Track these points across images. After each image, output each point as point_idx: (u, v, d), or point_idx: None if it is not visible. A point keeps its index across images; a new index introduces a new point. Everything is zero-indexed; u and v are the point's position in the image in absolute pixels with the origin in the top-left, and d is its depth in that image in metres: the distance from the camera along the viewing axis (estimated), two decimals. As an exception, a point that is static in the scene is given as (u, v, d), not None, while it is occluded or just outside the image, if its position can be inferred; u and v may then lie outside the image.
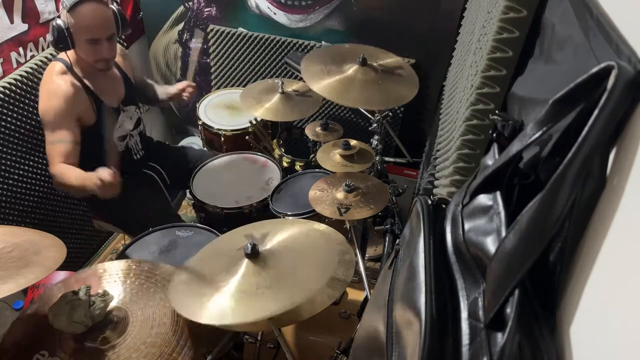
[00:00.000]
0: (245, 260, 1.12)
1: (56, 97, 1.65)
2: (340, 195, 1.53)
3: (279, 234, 1.24)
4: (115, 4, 1.67)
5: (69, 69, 1.70)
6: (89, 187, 1.57)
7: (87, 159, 1.65)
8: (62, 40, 1.60)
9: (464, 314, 0.46)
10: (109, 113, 1.81)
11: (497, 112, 0.79)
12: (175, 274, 1.22)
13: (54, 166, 1.69)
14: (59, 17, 1.61)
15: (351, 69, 1.62)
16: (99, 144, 1.82)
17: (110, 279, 1.30)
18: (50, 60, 1.93)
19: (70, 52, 1.69)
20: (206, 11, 2.46)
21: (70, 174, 1.64)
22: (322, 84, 1.59)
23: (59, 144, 1.68)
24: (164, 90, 2.12)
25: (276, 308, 1.01)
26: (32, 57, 1.92)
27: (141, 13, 2.59)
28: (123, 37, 2.37)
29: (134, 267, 1.33)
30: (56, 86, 1.66)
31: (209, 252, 1.29)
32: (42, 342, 1.13)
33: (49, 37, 1.62)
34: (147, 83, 2.12)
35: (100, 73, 1.76)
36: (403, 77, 1.65)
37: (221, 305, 1.04)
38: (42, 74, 1.90)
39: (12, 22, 1.81)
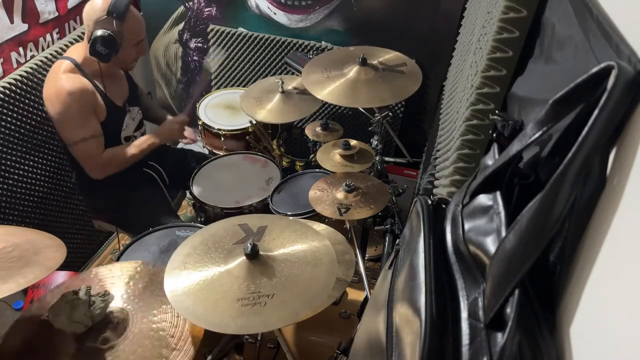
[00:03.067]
0: (244, 260, 1.12)
1: (70, 94, 1.64)
2: (340, 195, 1.53)
3: (276, 237, 1.23)
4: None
5: (78, 67, 1.70)
6: (157, 142, 1.85)
7: None
8: (112, 49, 1.61)
9: (464, 314, 0.46)
10: (117, 111, 1.83)
11: (497, 112, 0.79)
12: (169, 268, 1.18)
13: (98, 158, 1.73)
14: (94, 29, 1.60)
15: (352, 71, 1.63)
16: (110, 141, 1.82)
17: (111, 280, 1.30)
18: (49, 60, 1.93)
19: (79, 53, 1.69)
20: (206, 11, 2.45)
21: (128, 149, 1.80)
22: (326, 91, 1.60)
23: (91, 140, 1.70)
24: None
25: (279, 322, 1.01)
26: (32, 57, 1.92)
27: (141, 13, 2.58)
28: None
29: (135, 268, 1.33)
30: (70, 84, 1.65)
31: (200, 244, 1.25)
32: (43, 343, 1.13)
33: (97, 48, 1.60)
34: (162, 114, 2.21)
35: (106, 74, 1.76)
36: (404, 70, 1.66)
37: (223, 315, 1.03)
38: (42, 74, 1.90)
39: (12, 22, 1.81)
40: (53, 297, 1.20)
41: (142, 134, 2.00)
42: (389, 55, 1.73)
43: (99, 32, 1.58)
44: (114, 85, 1.82)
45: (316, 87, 1.62)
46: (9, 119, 1.79)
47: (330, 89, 1.60)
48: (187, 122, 2.02)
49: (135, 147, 1.84)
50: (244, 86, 2.53)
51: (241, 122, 2.21)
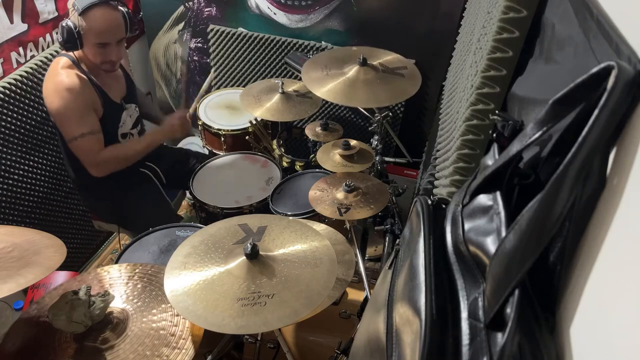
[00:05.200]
0: (244, 260, 1.12)
1: (69, 90, 1.64)
2: (340, 195, 1.53)
3: (276, 237, 1.23)
4: (125, 6, 1.68)
5: (75, 64, 1.70)
6: (160, 139, 1.89)
7: None
8: (72, 41, 1.60)
9: (464, 314, 0.46)
10: (114, 108, 1.83)
11: (497, 112, 0.78)
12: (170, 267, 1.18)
13: (98, 155, 1.72)
14: (68, 18, 1.61)
15: (352, 70, 1.63)
16: (108, 138, 1.82)
17: (112, 280, 1.30)
18: (49, 60, 1.93)
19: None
20: (206, 11, 2.45)
21: (131, 145, 1.83)
22: (325, 89, 1.60)
23: (90, 136, 1.69)
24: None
25: (279, 322, 1.01)
26: (32, 57, 1.92)
27: (141, 13, 2.59)
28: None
29: (136, 270, 1.33)
30: (69, 79, 1.66)
31: (200, 244, 1.25)
32: (42, 343, 1.13)
33: (58, 37, 1.63)
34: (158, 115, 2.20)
35: (101, 70, 1.76)
36: (404, 74, 1.66)
37: (223, 315, 1.02)
38: (42, 74, 1.90)
39: (12, 22, 1.81)
40: (51, 299, 1.20)
41: (140, 132, 2.00)
42: (389, 57, 1.73)
43: (63, 23, 1.59)
44: (110, 81, 1.82)
45: (315, 85, 1.62)
46: (9, 119, 1.79)
47: (329, 87, 1.60)
48: (186, 116, 2.01)
49: (136, 145, 1.84)
50: (244, 86, 2.53)
51: (241, 122, 2.21)
